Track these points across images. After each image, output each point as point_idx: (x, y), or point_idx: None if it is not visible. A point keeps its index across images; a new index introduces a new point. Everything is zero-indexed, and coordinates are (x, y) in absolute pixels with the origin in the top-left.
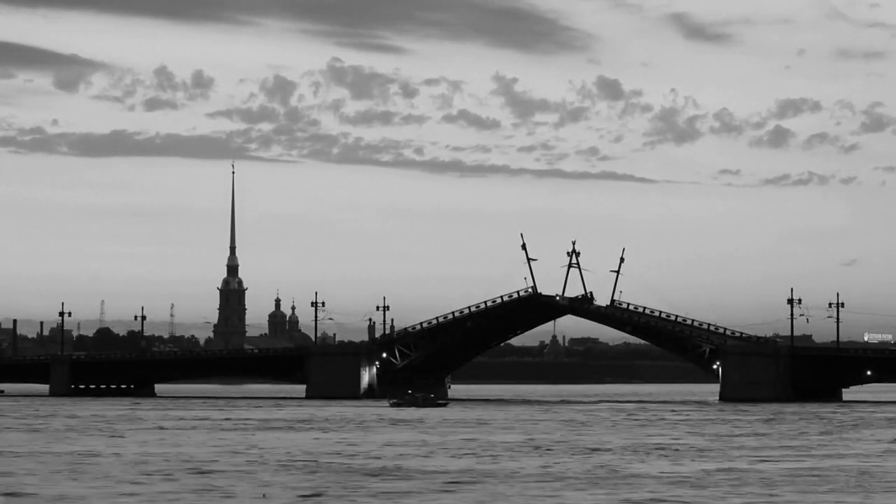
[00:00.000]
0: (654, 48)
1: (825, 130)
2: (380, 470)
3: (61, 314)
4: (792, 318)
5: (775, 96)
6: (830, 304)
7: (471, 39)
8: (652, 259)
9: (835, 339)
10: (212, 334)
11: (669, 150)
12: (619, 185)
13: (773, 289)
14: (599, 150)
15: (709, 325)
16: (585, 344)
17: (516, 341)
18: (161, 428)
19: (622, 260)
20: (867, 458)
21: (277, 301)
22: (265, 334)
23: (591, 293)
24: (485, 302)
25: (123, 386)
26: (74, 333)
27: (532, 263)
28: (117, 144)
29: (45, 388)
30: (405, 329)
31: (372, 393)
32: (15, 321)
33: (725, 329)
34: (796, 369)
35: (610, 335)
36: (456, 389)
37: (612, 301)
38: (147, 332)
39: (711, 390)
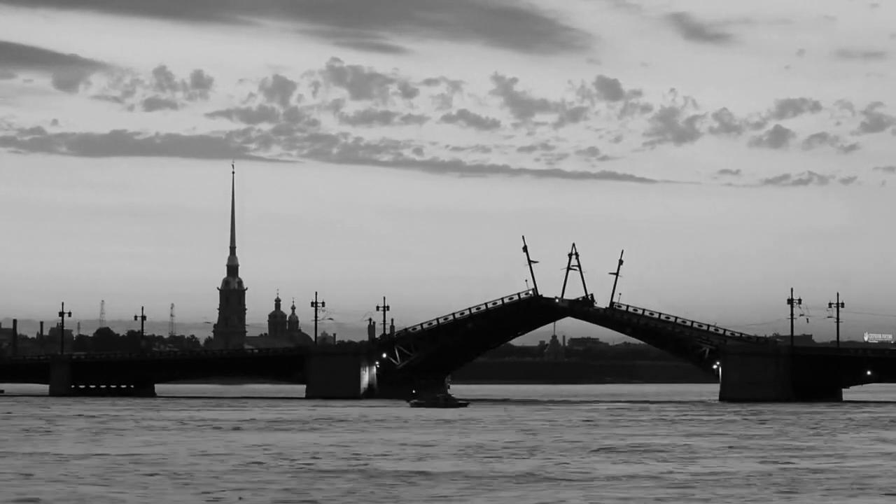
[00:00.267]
0: (653, 48)
1: (825, 130)
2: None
3: (61, 314)
4: (792, 318)
5: (775, 96)
6: (830, 304)
7: (470, 39)
8: (652, 259)
9: (835, 339)
10: (212, 334)
11: (669, 151)
12: (618, 185)
13: (773, 289)
14: (599, 150)
15: (708, 325)
16: (585, 344)
17: (516, 341)
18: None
19: (621, 262)
20: (845, 458)
21: (277, 301)
22: (265, 334)
23: (591, 295)
24: (485, 303)
25: (123, 386)
26: (74, 333)
27: (533, 265)
28: (117, 144)
29: (45, 388)
30: (405, 329)
31: (372, 393)
32: (15, 321)
33: (725, 330)
34: (796, 369)
35: (610, 335)
36: (455, 389)
37: (612, 303)
38: (147, 332)
39: (711, 390)
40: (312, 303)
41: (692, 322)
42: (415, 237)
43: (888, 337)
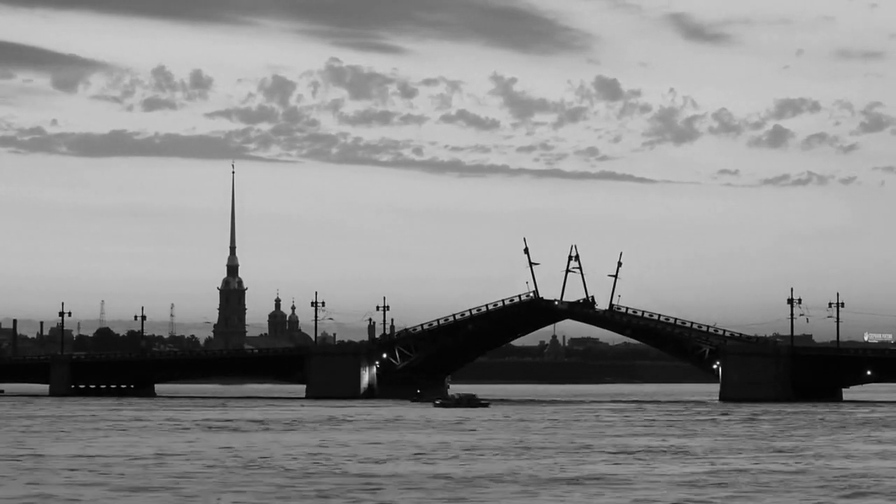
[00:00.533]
0: (652, 48)
1: (824, 130)
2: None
3: (61, 314)
4: (792, 318)
5: (774, 96)
6: (830, 304)
7: (469, 39)
8: (651, 259)
9: (835, 339)
10: (212, 334)
11: (668, 150)
12: (618, 185)
13: (773, 289)
14: (598, 150)
15: (708, 326)
16: (585, 344)
17: (516, 341)
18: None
19: (619, 264)
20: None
21: (277, 301)
22: (265, 334)
23: (592, 297)
24: (486, 305)
25: (123, 386)
26: (74, 333)
27: (534, 267)
28: (116, 144)
29: (45, 388)
30: (405, 329)
31: (372, 393)
32: (15, 321)
33: (725, 331)
34: (796, 369)
35: (610, 335)
36: (455, 389)
37: (611, 306)
38: (147, 332)
39: (711, 390)
40: (312, 303)
41: (691, 323)
42: (414, 237)
43: (888, 337)
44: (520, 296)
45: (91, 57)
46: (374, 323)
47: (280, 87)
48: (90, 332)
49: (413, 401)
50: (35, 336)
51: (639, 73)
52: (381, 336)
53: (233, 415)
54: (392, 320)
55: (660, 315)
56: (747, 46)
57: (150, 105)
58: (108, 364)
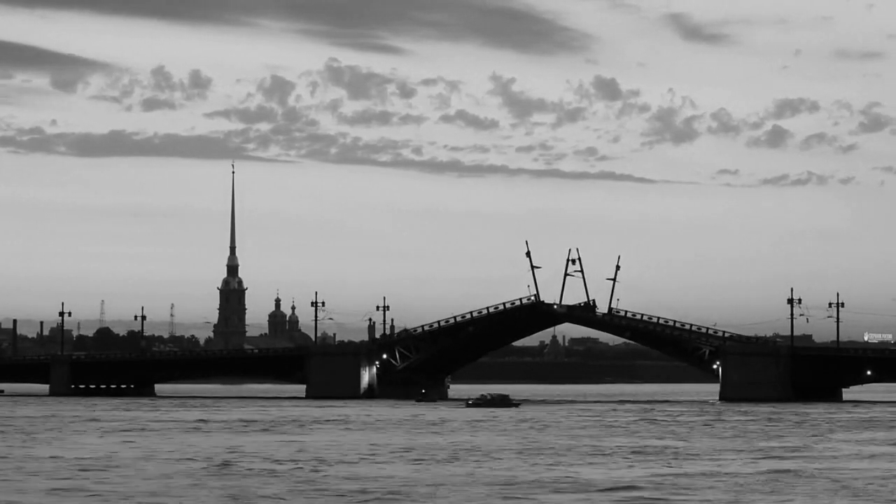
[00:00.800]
0: (651, 48)
1: (823, 130)
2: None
3: (61, 314)
4: (792, 318)
5: (773, 96)
6: (830, 304)
7: (468, 39)
8: (651, 259)
9: (835, 339)
10: (212, 334)
11: (667, 151)
12: (617, 185)
13: (773, 289)
14: (598, 150)
15: (707, 328)
16: (585, 344)
17: (516, 342)
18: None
19: (618, 268)
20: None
21: (277, 301)
22: (265, 334)
23: (593, 301)
24: (487, 307)
25: (123, 386)
26: (74, 333)
27: (535, 270)
28: (116, 144)
29: (45, 388)
30: (406, 330)
31: (372, 393)
32: (15, 321)
33: (724, 332)
34: (796, 369)
35: (610, 335)
36: (455, 389)
37: (610, 309)
38: (147, 332)
39: (711, 390)
40: (312, 303)
41: (691, 325)
42: (414, 237)
43: (888, 337)
44: (521, 299)
45: (90, 57)
46: (373, 323)
47: (279, 87)
48: (90, 332)
49: (417, 401)
50: (35, 336)
51: (638, 73)
52: (381, 336)
53: (235, 415)
54: (392, 320)
55: (659, 317)
56: (746, 46)
57: (150, 105)
58: (108, 364)
